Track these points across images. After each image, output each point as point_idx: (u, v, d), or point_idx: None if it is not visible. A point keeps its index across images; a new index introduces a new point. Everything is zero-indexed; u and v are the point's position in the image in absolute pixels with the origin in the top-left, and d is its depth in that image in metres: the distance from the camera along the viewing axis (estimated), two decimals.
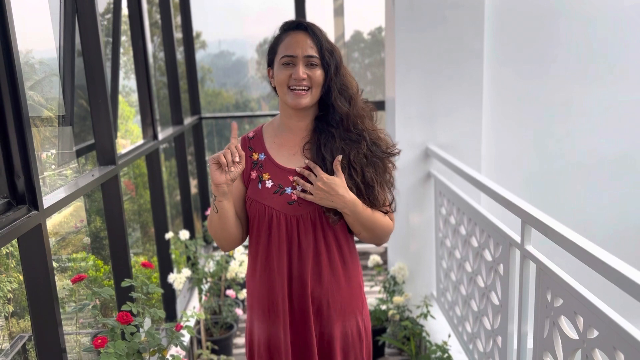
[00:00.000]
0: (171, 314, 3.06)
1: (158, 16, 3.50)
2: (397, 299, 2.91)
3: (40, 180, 1.87)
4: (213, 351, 3.01)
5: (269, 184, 1.47)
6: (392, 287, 3.01)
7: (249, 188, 1.50)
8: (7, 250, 1.89)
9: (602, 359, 1.32)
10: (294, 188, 1.46)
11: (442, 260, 2.87)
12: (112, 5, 2.76)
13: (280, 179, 1.47)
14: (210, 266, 3.10)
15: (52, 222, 2.22)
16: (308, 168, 1.46)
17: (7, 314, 1.92)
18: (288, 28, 1.44)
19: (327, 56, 1.41)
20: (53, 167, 2.26)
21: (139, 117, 2.88)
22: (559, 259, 1.61)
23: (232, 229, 1.48)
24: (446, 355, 2.47)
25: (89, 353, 2.22)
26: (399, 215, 2.99)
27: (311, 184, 1.43)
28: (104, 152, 2.14)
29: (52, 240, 2.22)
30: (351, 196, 1.42)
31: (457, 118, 2.92)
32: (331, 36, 4.50)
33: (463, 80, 2.88)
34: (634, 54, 2.99)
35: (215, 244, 3.74)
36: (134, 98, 3.13)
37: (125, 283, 1.72)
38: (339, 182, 1.40)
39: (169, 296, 3.04)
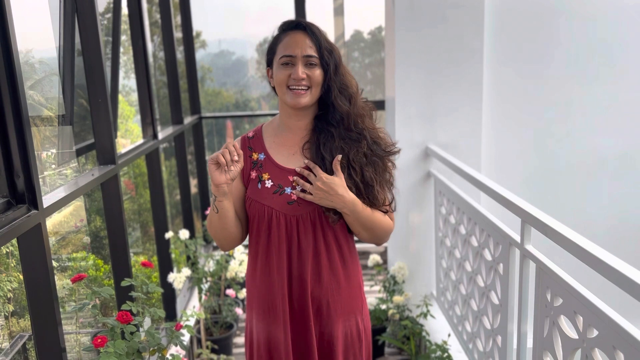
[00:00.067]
0: (171, 314, 3.06)
1: (158, 15, 3.50)
2: (397, 298, 2.91)
3: (40, 180, 1.87)
4: (213, 350, 3.01)
5: (268, 184, 1.47)
6: (392, 286, 3.01)
7: (248, 188, 1.50)
8: (7, 250, 1.89)
9: (602, 359, 1.32)
10: (293, 188, 1.46)
11: (442, 260, 2.87)
12: (112, 5, 2.76)
13: (280, 179, 1.47)
14: (210, 265, 3.10)
15: (52, 222, 2.22)
16: (308, 168, 1.46)
17: (7, 314, 1.92)
18: (287, 28, 1.44)
19: (326, 56, 1.41)
20: (53, 166, 2.26)
21: (139, 117, 2.88)
22: (558, 258, 1.61)
23: (232, 228, 1.48)
24: (446, 354, 2.47)
25: (89, 352, 2.22)
26: (399, 215, 2.99)
27: (311, 183, 1.43)
28: (104, 151, 2.14)
29: (52, 240, 2.22)
30: (351, 196, 1.42)
31: (457, 117, 2.92)
32: (331, 36, 4.50)
33: (463, 80, 2.88)
34: (634, 53, 2.98)
35: (215, 244, 3.74)
36: (134, 97, 3.13)
37: (125, 282, 1.72)
38: (338, 182, 1.40)
39: (169, 295, 3.04)
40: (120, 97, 3.02)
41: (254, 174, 1.49)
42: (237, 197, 1.51)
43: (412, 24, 2.83)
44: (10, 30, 1.37)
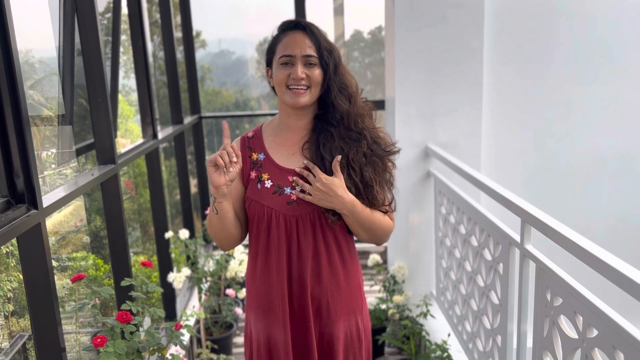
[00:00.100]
0: (171, 313, 3.06)
1: (158, 15, 3.49)
2: (397, 298, 2.91)
3: (40, 180, 1.87)
4: (213, 350, 3.01)
5: (268, 184, 1.47)
6: (392, 286, 3.01)
7: (248, 188, 1.50)
8: (7, 250, 1.89)
9: (602, 359, 1.32)
10: (293, 188, 1.45)
11: (441, 260, 2.87)
12: (111, 5, 2.76)
13: (280, 179, 1.46)
14: (210, 265, 3.10)
15: (52, 221, 2.22)
16: (307, 168, 1.46)
17: (7, 313, 1.92)
18: (286, 28, 1.44)
19: (326, 55, 1.41)
20: (53, 166, 2.26)
21: (138, 116, 2.88)
22: (558, 257, 1.61)
23: (231, 229, 1.48)
24: (446, 354, 2.47)
25: (89, 352, 2.22)
26: (399, 215, 2.99)
27: (310, 184, 1.42)
28: (104, 151, 2.14)
29: (52, 240, 2.22)
30: (350, 197, 1.41)
31: (456, 117, 2.92)
32: (331, 35, 4.50)
33: (463, 80, 2.88)
34: (634, 53, 2.98)
35: (214, 243, 3.74)
36: (133, 97, 3.13)
37: (124, 282, 1.72)
38: (337, 183, 1.40)
39: (169, 295, 3.04)
40: (120, 96, 3.02)
41: (253, 174, 1.49)
42: (237, 197, 1.51)
43: (412, 23, 2.83)
44: (10, 30, 1.37)
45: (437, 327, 2.84)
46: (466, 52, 2.86)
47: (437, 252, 2.95)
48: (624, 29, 2.95)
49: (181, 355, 1.76)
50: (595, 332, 1.32)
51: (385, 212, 1.52)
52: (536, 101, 3.02)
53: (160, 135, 2.97)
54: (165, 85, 3.59)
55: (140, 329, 1.69)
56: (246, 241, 1.56)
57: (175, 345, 1.80)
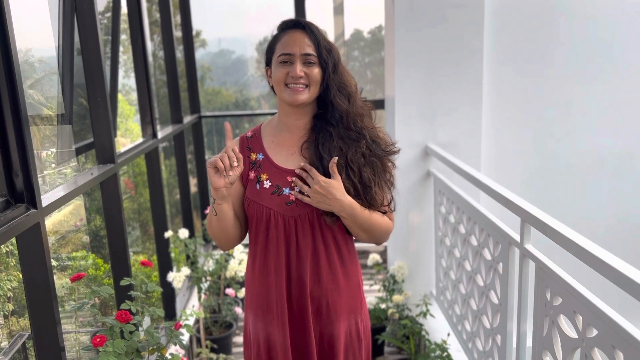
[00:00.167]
0: (170, 313, 3.06)
1: (158, 15, 3.49)
2: (397, 297, 2.91)
3: (40, 179, 1.87)
4: (212, 350, 3.01)
5: (267, 184, 1.46)
6: (392, 285, 3.01)
7: (247, 188, 1.49)
8: (7, 249, 1.89)
9: (602, 358, 1.32)
10: (292, 189, 1.45)
11: (441, 259, 2.87)
12: (111, 4, 2.76)
13: (279, 180, 1.46)
14: (210, 265, 3.10)
15: (52, 221, 2.22)
16: (305, 170, 1.45)
17: (7, 313, 1.92)
18: (286, 27, 1.44)
19: (325, 54, 1.40)
20: (53, 165, 2.26)
21: (139, 116, 2.88)
22: (558, 257, 1.61)
23: (231, 229, 1.48)
24: (445, 354, 2.47)
25: (88, 351, 2.22)
26: (399, 214, 2.99)
27: (309, 186, 1.42)
28: (103, 150, 2.14)
29: (52, 239, 2.22)
30: (348, 200, 1.41)
31: (456, 117, 2.91)
32: (331, 35, 4.50)
33: (463, 79, 2.88)
34: (634, 53, 2.98)
35: (214, 243, 3.74)
36: (133, 96, 3.13)
37: (124, 282, 1.72)
38: (336, 185, 1.39)
39: (169, 295, 3.04)
40: (120, 96, 3.02)
41: (252, 175, 1.49)
42: (236, 197, 1.51)
43: (412, 23, 2.82)
44: (9, 29, 1.37)
45: (437, 327, 2.84)
46: (466, 52, 2.85)
47: (437, 252, 2.95)
48: (624, 29, 2.95)
49: (181, 355, 1.75)
50: (594, 332, 1.32)
51: (385, 213, 1.51)
52: (536, 101, 3.02)
53: (160, 135, 2.97)
54: (165, 84, 3.59)
55: (140, 329, 1.69)
56: (246, 240, 1.56)
57: (175, 344, 1.80)
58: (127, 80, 3.20)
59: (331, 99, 1.43)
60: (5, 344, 1.86)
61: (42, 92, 2.18)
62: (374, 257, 3.13)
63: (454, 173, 2.65)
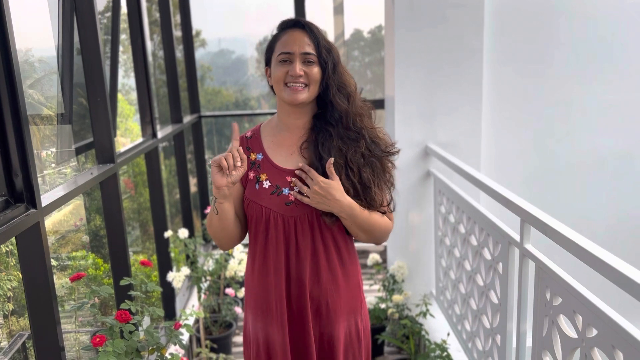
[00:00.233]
0: (170, 313, 3.06)
1: (157, 14, 3.49)
2: (397, 297, 2.91)
3: (40, 179, 1.87)
4: (212, 350, 3.01)
5: (266, 184, 1.46)
6: (392, 285, 3.01)
7: (246, 188, 1.49)
8: (7, 249, 1.89)
9: (601, 358, 1.32)
10: (291, 189, 1.45)
11: (441, 259, 2.87)
12: (111, 4, 2.76)
13: (278, 180, 1.46)
14: (210, 264, 3.10)
15: (52, 220, 2.22)
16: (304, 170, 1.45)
17: (7, 312, 1.92)
18: (285, 26, 1.44)
19: (325, 54, 1.40)
20: (53, 165, 2.26)
21: (138, 116, 2.88)
22: (558, 257, 1.61)
23: (231, 229, 1.48)
24: (445, 353, 2.47)
25: (88, 351, 2.22)
26: (399, 214, 2.99)
27: (309, 187, 1.42)
28: (103, 150, 2.14)
29: (51, 239, 2.22)
30: (348, 200, 1.41)
31: (456, 117, 2.91)
32: (331, 34, 4.50)
33: (463, 79, 2.88)
34: (634, 53, 2.98)
35: (214, 242, 3.74)
36: (133, 96, 3.13)
37: (123, 281, 1.72)
38: (335, 186, 1.39)
39: (168, 294, 3.04)
40: (120, 96, 3.02)
41: (251, 175, 1.49)
42: (237, 197, 1.51)
43: (412, 23, 2.82)
44: (9, 29, 1.37)
45: (437, 327, 2.84)
46: (466, 52, 2.85)
47: (437, 252, 2.95)
48: (624, 29, 2.95)
49: (180, 355, 1.75)
50: (594, 332, 1.32)
51: (384, 213, 1.51)
52: (536, 101, 3.02)
53: (159, 135, 2.97)
54: (164, 84, 3.59)
55: (140, 328, 1.69)
56: (246, 240, 1.56)
57: (175, 344, 1.80)
58: (127, 79, 3.19)
59: (331, 98, 1.43)
60: (5, 343, 1.86)
61: (42, 92, 2.18)
62: (374, 257, 3.13)
63: (454, 173, 2.65)
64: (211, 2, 4.97)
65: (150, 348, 1.67)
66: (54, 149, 2.23)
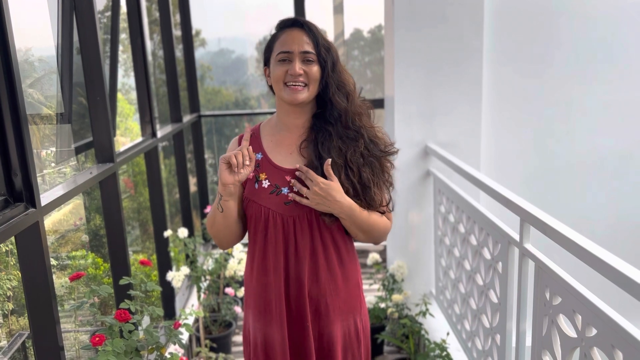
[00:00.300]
0: (170, 312, 3.06)
1: (157, 14, 3.49)
2: (396, 297, 2.91)
3: (40, 178, 1.86)
4: (212, 349, 3.01)
5: (265, 184, 1.46)
6: (391, 285, 3.01)
7: (245, 188, 1.49)
8: (7, 248, 1.89)
9: (601, 358, 1.32)
10: (290, 188, 1.45)
11: (441, 259, 2.87)
12: (110, 3, 2.75)
13: (277, 179, 1.46)
14: (209, 264, 3.10)
15: (51, 220, 2.22)
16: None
17: (6, 312, 1.92)
18: (284, 25, 1.44)
19: (324, 52, 1.40)
20: (52, 164, 2.26)
21: (138, 115, 2.88)
22: (557, 257, 1.61)
23: (234, 227, 1.49)
24: (445, 353, 2.47)
25: (88, 351, 2.22)
26: (399, 214, 2.98)
27: (308, 187, 1.42)
28: (102, 149, 2.14)
29: (51, 238, 2.22)
30: (348, 201, 1.41)
31: (456, 116, 2.91)
32: (331, 34, 4.50)
33: (462, 79, 2.88)
34: (634, 52, 2.98)
35: (214, 242, 3.74)
36: (133, 96, 3.13)
37: (123, 281, 1.71)
38: (335, 187, 1.39)
39: (168, 294, 3.04)
40: (119, 95, 3.02)
41: (251, 174, 1.49)
42: (239, 196, 1.51)
43: (411, 23, 2.82)
44: (9, 28, 1.37)
45: (436, 326, 2.84)
46: (466, 51, 2.85)
47: (437, 251, 2.95)
48: (624, 29, 2.95)
49: (180, 354, 1.75)
50: (594, 331, 1.32)
51: (383, 213, 1.51)
52: (536, 101, 3.02)
53: (159, 134, 2.97)
54: (164, 83, 3.59)
55: (139, 328, 1.69)
56: (245, 239, 1.56)
57: (174, 344, 1.80)
58: (126, 79, 3.19)
59: (330, 97, 1.43)
60: (4, 343, 1.86)
61: (41, 91, 2.17)
62: (374, 257, 3.13)
63: (453, 172, 2.65)
64: (211, 1, 4.97)
65: (149, 347, 1.67)
66: (53, 148, 2.23)
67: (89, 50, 2.04)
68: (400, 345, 2.85)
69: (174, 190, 3.81)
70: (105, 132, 2.12)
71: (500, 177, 2.91)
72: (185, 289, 3.49)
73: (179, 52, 3.81)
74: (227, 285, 3.17)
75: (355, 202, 1.43)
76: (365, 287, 2.04)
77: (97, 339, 1.49)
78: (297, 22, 1.42)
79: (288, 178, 1.45)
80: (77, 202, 2.50)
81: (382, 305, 3.04)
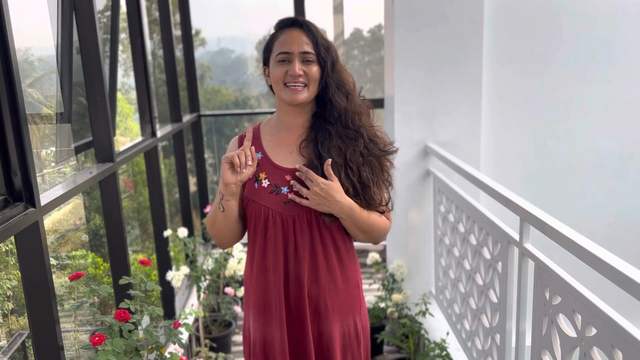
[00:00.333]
0: (170, 312, 3.06)
1: (157, 13, 3.49)
2: (396, 296, 2.91)
3: (40, 178, 1.86)
4: (211, 349, 3.01)
5: (265, 183, 1.46)
6: (391, 284, 3.01)
7: (245, 187, 1.49)
8: (7, 248, 1.89)
9: (601, 357, 1.32)
10: (290, 188, 1.45)
11: (440, 258, 2.87)
12: (110, 3, 2.75)
13: (277, 179, 1.46)
14: (209, 264, 3.10)
15: (51, 219, 2.22)
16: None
17: (6, 311, 1.92)
18: (283, 25, 1.44)
19: (323, 52, 1.40)
20: (52, 164, 2.26)
21: (138, 115, 2.87)
22: (557, 256, 1.61)
23: (235, 227, 1.49)
24: (444, 352, 2.47)
25: (87, 350, 2.22)
26: (398, 213, 2.99)
27: (308, 188, 1.42)
28: (102, 149, 2.14)
29: (51, 238, 2.22)
30: (348, 201, 1.41)
31: (456, 116, 2.91)
32: (330, 33, 4.50)
33: (462, 79, 2.88)
34: (634, 53, 2.98)
35: (213, 242, 3.74)
36: (133, 95, 3.13)
37: (123, 281, 1.71)
38: (335, 187, 1.39)
39: (168, 294, 3.04)
40: (119, 95, 3.02)
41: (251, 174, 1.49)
42: (240, 196, 1.51)
43: (411, 23, 2.82)
44: (8, 28, 1.37)
45: (436, 326, 2.84)
46: (466, 51, 2.85)
47: (436, 251, 2.95)
48: (624, 29, 2.95)
49: (180, 354, 1.75)
50: (594, 331, 1.32)
51: (382, 212, 1.51)
52: (536, 101, 3.02)
53: (159, 134, 2.97)
54: (164, 83, 3.59)
55: (139, 328, 1.69)
56: (245, 239, 1.57)
57: (174, 343, 1.80)
58: (126, 79, 3.19)
59: (330, 97, 1.43)
60: (4, 342, 1.86)
61: (41, 91, 2.17)
62: (373, 256, 3.13)
63: (453, 172, 2.65)
64: (211, 1, 4.97)
65: (149, 347, 1.67)
66: (53, 148, 2.23)
67: (89, 50, 2.04)
68: (400, 345, 2.85)
69: (174, 190, 3.81)
70: (105, 131, 2.12)
71: (500, 177, 2.91)
72: (185, 289, 3.49)
73: (178, 52, 3.80)
74: (227, 284, 3.17)
75: (355, 201, 1.43)
76: (365, 286, 2.04)
77: (96, 338, 1.49)
78: (296, 22, 1.42)
79: (288, 177, 1.45)
80: (77, 201, 2.50)
81: (382, 305, 3.04)
